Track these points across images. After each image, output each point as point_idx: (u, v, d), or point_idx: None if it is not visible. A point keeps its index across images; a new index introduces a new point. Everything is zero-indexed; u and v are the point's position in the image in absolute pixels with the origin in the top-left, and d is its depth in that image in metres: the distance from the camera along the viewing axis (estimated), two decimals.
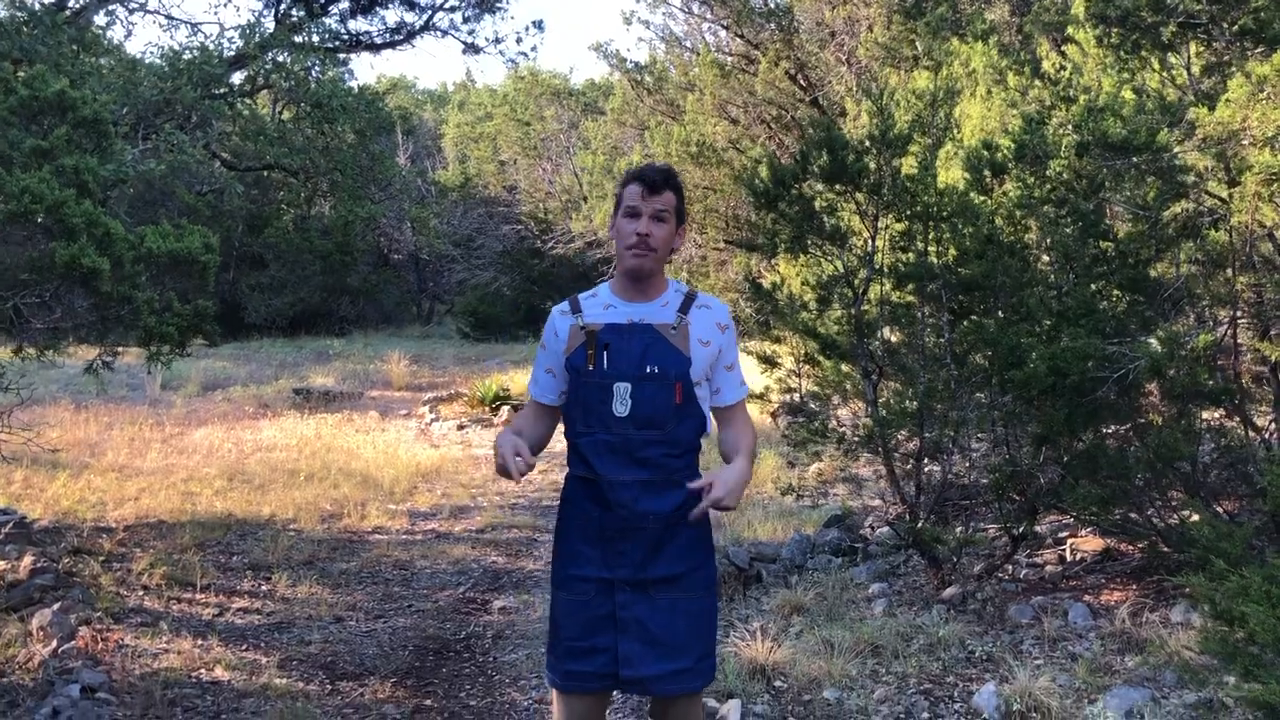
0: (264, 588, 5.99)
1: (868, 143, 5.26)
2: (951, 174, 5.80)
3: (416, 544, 7.02)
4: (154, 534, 6.97)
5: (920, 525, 5.35)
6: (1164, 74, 5.66)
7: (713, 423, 2.94)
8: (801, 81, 18.78)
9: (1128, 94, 5.40)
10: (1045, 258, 5.69)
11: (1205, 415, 5.44)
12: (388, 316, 29.30)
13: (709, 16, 20.83)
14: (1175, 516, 5.41)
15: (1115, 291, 5.22)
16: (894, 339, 5.56)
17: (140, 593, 5.70)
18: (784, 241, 5.36)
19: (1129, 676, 4.26)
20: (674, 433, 2.76)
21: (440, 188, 26.58)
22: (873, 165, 5.24)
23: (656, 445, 2.74)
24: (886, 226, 5.33)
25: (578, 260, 23.15)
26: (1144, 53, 5.36)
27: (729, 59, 20.27)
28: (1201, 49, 5.45)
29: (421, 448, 10.90)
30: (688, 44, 22.02)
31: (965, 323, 5.34)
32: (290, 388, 14.53)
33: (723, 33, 21.05)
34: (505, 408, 12.64)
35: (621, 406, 2.73)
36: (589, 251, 21.55)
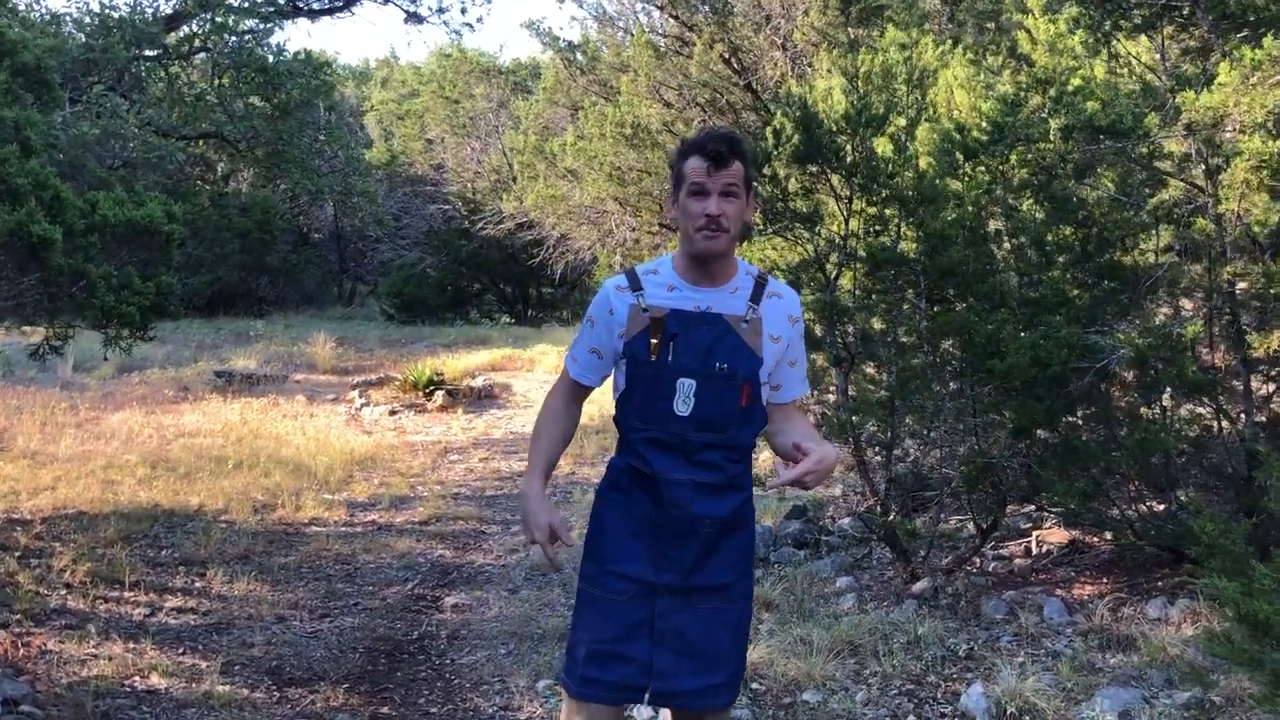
0: (198, 584, 5.62)
1: (843, 122, 5.07)
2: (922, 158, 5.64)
3: (357, 536, 6.69)
4: (74, 526, 6.54)
5: (892, 518, 5.20)
6: (1136, 57, 5.57)
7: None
8: (735, 65, 18.62)
9: (1076, 80, 5.29)
10: (1007, 244, 5.58)
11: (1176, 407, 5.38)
12: (308, 297, 28.49)
13: None
14: (1144, 507, 5.34)
15: (1090, 279, 5.11)
16: (868, 326, 5.38)
17: (63, 592, 5.30)
18: (757, 223, 5.15)
19: (1114, 675, 4.14)
20: (735, 436, 2.53)
21: (365, 165, 25.87)
22: (848, 146, 5.05)
23: (716, 449, 2.52)
24: (861, 210, 5.15)
25: (508, 242, 22.68)
26: (1121, 34, 5.25)
27: (663, 40, 20.03)
28: (1176, 32, 5.36)
29: (354, 434, 10.50)
30: (621, 24, 21.72)
31: (938, 309, 5.19)
32: (211, 370, 13.95)
33: (656, 13, 20.80)
34: (440, 393, 12.27)
35: (684, 405, 2.49)
36: (520, 233, 21.10)
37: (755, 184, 2.64)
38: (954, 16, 16.72)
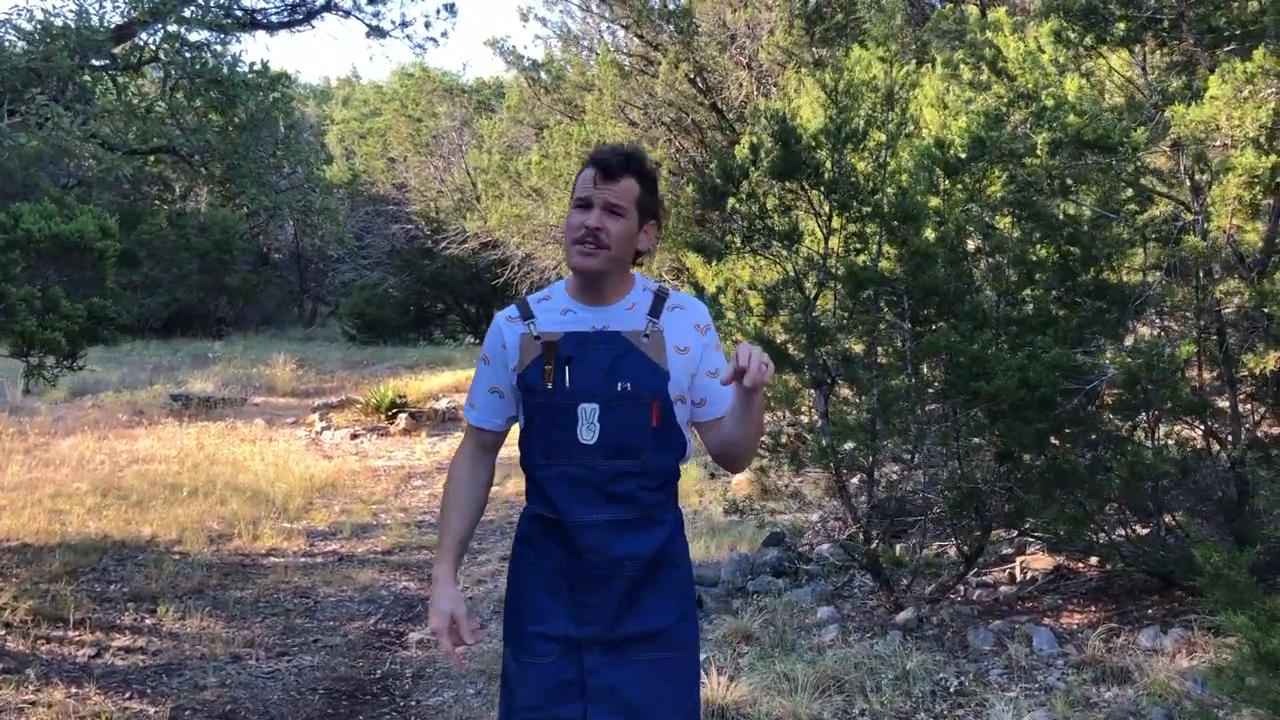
0: (148, 622, 5.34)
1: (822, 137, 4.91)
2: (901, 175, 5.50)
3: (317, 568, 6.42)
4: (17, 560, 6.22)
5: (875, 546, 5.02)
6: (1118, 72, 5.47)
7: (694, 442, 2.49)
8: (700, 85, 18.56)
9: (1048, 98, 5.18)
10: (984, 263, 5.45)
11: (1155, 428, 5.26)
12: (268, 318, 28.11)
13: (607, 16, 20.47)
14: (1128, 531, 5.21)
15: (1075, 298, 4.98)
16: (848, 347, 5.22)
17: (1, 632, 5.00)
18: (734, 242, 4.98)
19: (1111, 711, 3.97)
20: (651, 462, 2.30)
21: (325, 183, 25.54)
22: (827, 161, 4.90)
23: (631, 478, 2.29)
24: (841, 227, 4.99)
25: (471, 261, 22.43)
26: (1104, 48, 5.14)
27: (628, 60, 19.95)
28: (1157, 46, 5.26)
29: (314, 459, 10.21)
30: (585, 43, 21.62)
31: (920, 329, 5.04)
32: (167, 393, 13.59)
33: (621, 33, 20.71)
34: (403, 415, 12.01)
35: (588, 433, 2.27)
36: (484, 252, 20.86)
37: (659, 213, 2.38)
38: (918, 36, 16.77)
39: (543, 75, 21.37)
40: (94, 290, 4.50)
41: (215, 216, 24.81)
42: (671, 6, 19.64)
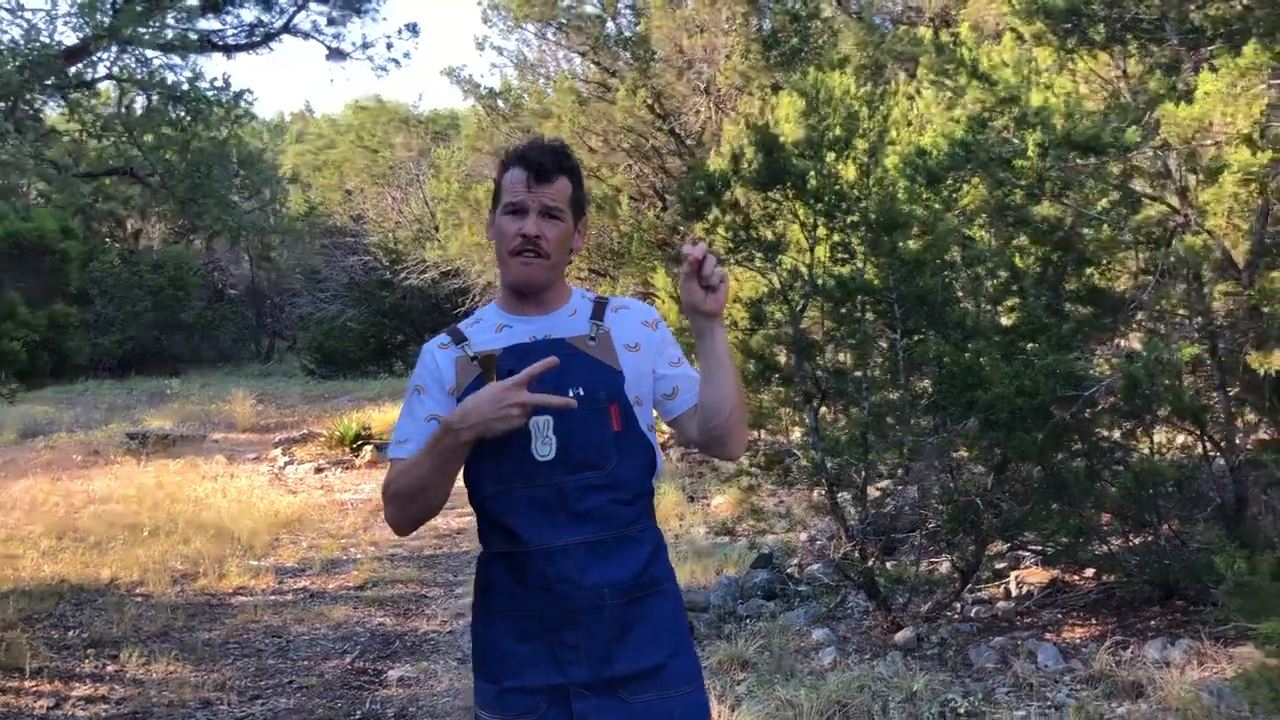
0: (110, 669, 5.06)
1: (804, 145, 4.79)
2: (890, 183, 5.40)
3: (288, 606, 6.16)
4: None
5: (871, 564, 4.87)
6: (1095, 75, 5.41)
7: (661, 459, 2.21)
8: (658, 110, 18.53)
9: (1028, 101, 5.12)
10: (964, 273, 5.36)
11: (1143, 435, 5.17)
12: (225, 354, 27.68)
13: (564, 43, 20.42)
14: (1122, 541, 5.10)
15: (1066, 304, 4.89)
16: (838, 360, 5.09)
17: None
18: (720, 254, 4.83)
19: None
20: (618, 471, 2.07)
21: (288, 213, 25.23)
22: (811, 169, 4.78)
23: (599, 491, 2.05)
24: (826, 237, 4.86)
25: (431, 291, 22.21)
26: (1083, 51, 5.08)
27: (585, 86, 19.92)
28: (1139, 48, 5.20)
29: (278, 494, 9.91)
30: (542, 71, 21.55)
31: (909, 340, 4.92)
32: (124, 432, 13.23)
33: (578, 60, 20.67)
34: (367, 447, 11.74)
35: (545, 447, 2.03)
36: (444, 282, 20.66)
37: (586, 210, 2.19)
38: (873, 57, 16.84)
39: (500, 103, 21.24)
40: (55, 298, 4.14)
41: (169, 253, 24.48)
42: (627, 33, 19.64)
